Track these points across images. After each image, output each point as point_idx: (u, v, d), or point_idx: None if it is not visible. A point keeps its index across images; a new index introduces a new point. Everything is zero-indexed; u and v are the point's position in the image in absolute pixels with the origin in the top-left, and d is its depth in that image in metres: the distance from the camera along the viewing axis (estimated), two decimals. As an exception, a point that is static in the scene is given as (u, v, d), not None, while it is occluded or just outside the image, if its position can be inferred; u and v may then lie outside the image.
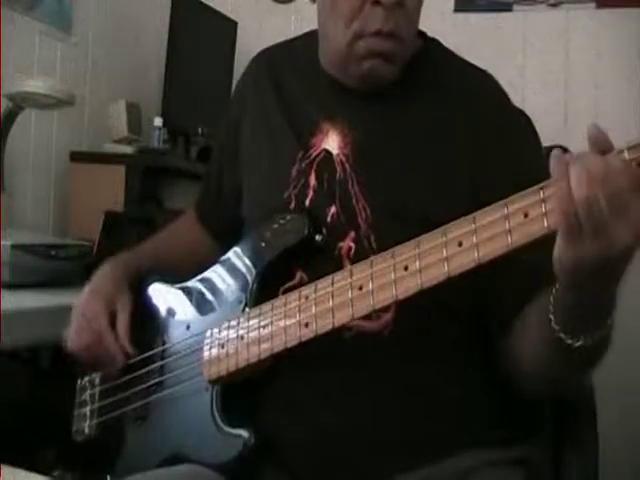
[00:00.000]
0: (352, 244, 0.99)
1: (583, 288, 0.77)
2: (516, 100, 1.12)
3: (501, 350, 0.98)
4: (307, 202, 1.03)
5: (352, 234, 0.99)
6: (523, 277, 0.92)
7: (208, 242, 1.27)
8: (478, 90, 1.07)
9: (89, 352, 1.12)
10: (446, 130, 1.03)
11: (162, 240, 1.29)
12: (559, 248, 0.74)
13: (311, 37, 1.14)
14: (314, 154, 1.05)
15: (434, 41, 1.13)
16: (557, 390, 1.02)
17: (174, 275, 1.17)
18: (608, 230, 0.70)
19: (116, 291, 1.13)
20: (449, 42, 1.15)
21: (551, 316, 0.83)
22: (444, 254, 0.82)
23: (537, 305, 0.89)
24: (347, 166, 1.03)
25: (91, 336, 1.11)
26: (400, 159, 1.02)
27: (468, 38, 2.70)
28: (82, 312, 1.12)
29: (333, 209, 1.02)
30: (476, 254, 0.79)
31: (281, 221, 1.02)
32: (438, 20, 2.58)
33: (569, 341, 0.82)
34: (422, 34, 1.12)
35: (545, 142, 1.12)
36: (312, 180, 1.04)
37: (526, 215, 0.77)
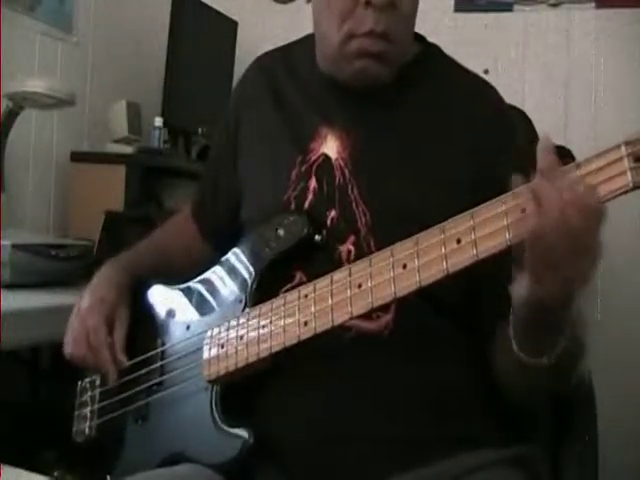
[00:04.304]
0: (352, 247, 0.99)
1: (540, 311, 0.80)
2: (516, 100, 1.12)
3: (488, 356, 0.98)
4: (306, 204, 1.03)
5: (352, 238, 0.99)
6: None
7: (201, 240, 1.27)
8: (476, 93, 1.07)
9: (84, 362, 1.12)
10: (444, 132, 1.03)
11: (159, 239, 1.29)
12: (520, 285, 0.78)
13: (309, 40, 1.14)
14: (313, 158, 1.05)
15: (433, 46, 1.13)
16: (536, 402, 1.03)
17: (171, 276, 1.17)
18: (568, 264, 0.75)
19: (118, 301, 1.13)
20: (449, 42, 1.15)
21: (511, 337, 0.86)
22: (442, 251, 0.82)
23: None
24: (346, 171, 1.03)
25: (89, 348, 1.11)
26: (399, 163, 1.02)
27: (468, 38, 2.70)
28: (84, 319, 1.12)
29: (333, 213, 1.01)
30: (475, 251, 0.79)
31: (281, 221, 1.02)
32: (438, 20, 2.59)
33: (531, 360, 0.84)
34: (422, 38, 1.12)
35: (545, 142, 1.13)
36: (312, 183, 1.04)
37: (523, 211, 0.77)
